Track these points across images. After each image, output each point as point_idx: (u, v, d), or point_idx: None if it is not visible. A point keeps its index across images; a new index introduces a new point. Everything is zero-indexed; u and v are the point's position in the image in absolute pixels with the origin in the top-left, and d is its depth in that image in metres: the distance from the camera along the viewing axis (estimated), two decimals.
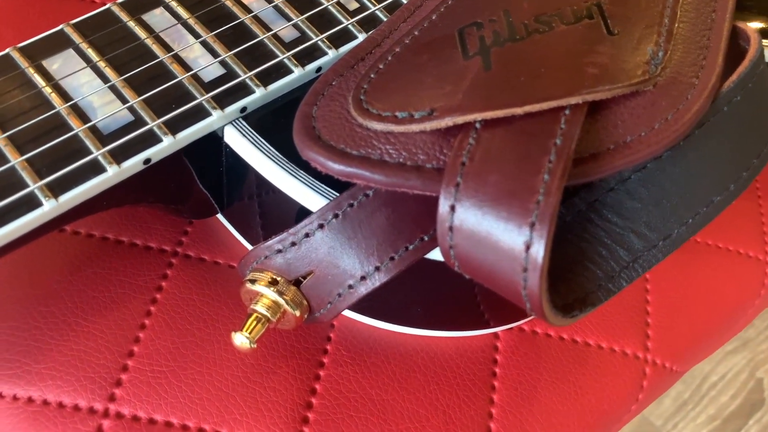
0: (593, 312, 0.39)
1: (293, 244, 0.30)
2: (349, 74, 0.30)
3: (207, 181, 0.35)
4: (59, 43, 0.32)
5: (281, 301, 0.30)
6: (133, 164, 0.29)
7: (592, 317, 0.39)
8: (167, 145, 0.30)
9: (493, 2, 0.30)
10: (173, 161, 0.32)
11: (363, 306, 0.35)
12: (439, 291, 0.34)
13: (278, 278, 0.31)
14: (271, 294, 0.30)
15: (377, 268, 0.29)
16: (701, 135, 0.28)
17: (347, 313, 0.36)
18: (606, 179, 0.29)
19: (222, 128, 0.32)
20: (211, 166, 0.34)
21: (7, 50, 0.31)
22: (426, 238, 0.29)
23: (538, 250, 0.24)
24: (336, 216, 0.29)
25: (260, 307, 0.31)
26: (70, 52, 0.31)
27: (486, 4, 0.30)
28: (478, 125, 0.26)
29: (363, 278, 0.30)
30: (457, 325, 0.36)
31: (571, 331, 0.38)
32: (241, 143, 0.31)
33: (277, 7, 0.34)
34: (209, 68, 0.32)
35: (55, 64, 0.31)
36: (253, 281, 0.31)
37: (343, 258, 0.30)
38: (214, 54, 0.32)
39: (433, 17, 0.30)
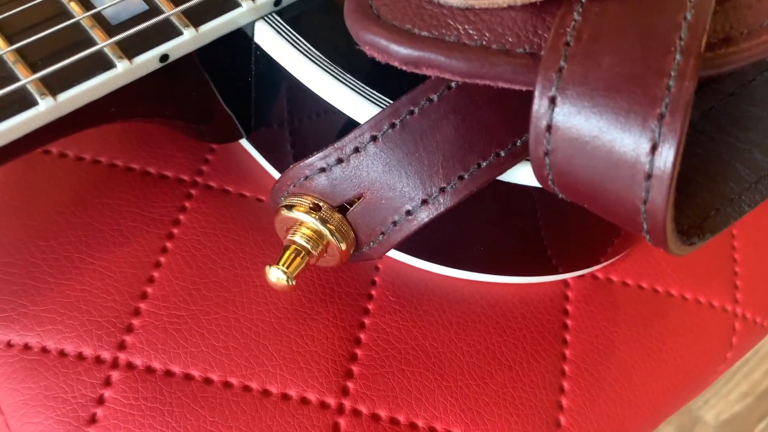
0: (674, 258, 0.34)
1: (339, 161, 0.25)
2: None
3: (231, 95, 0.30)
4: None
5: (324, 230, 0.25)
6: (148, 60, 0.24)
7: (674, 263, 0.34)
8: (189, 38, 0.24)
9: None
10: (191, 67, 0.27)
11: (412, 245, 0.30)
12: (503, 228, 0.29)
13: (321, 203, 0.25)
14: (312, 222, 0.25)
15: (442, 190, 0.24)
16: None
17: (393, 254, 0.31)
18: (724, 81, 0.24)
19: (252, 25, 0.26)
20: (237, 76, 0.29)
21: None
22: (503, 153, 0.24)
23: (668, 152, 0.18)
24: (393, 126, 0.24)
25: (299, 238, 0.26)
26: None
27: None
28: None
29: (424, 202, 0.25)
30: (522, 269, 0.31)
31: (651, 279, 0.33)
32: (274, 42, 0.26)
33: None
34: None
35: None
36: (290, 207, 0.26)
37: (400, 177, 0.24)
38: None
39: None
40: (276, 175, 0.32)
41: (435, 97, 0.24)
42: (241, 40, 0.27)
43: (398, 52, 0.21)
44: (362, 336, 0.29)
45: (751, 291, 0.34)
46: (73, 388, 0.26)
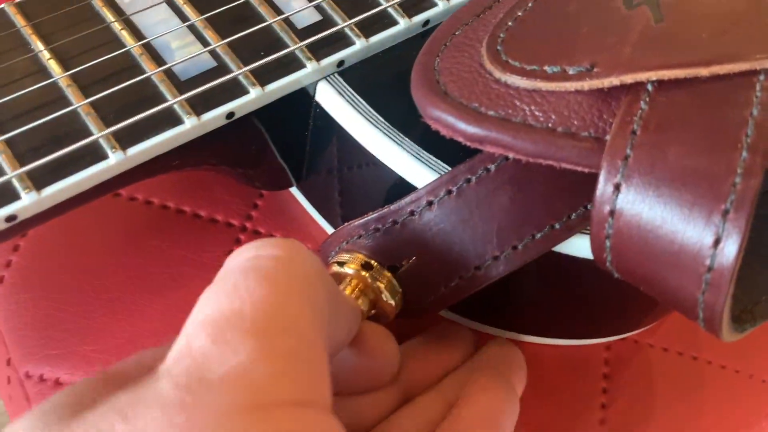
0: None
1: (395, 223, 0.25)
2: (476, 23, 0.25)
3: (286, 147, 0.30)
4: None
5: (374, 286, 0.26)
6: (215, 117, 0.25)
7: None
8: (255, 97, 0.25)
9: None
10: (251, 120, 0.28)
11: (460, 304, 0.30)
12: (551, 293, 0.29)
13: (372, 261, 0.26)
14: (363, 278, 0.26)
15: (495, 258, 0.25)
16: None
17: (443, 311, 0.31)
18: None
19: (314, 84, 0.27)
20: (294, 130, 0.29)
21: None
22: (558, 226, 0.24)
23: (731, 247, 0.19)
24: (449, 192, 0.24)
25: (349, 293, 0.26)
26: None
27: None
28: (650, 87, 0.21)
29: (477, 268, 0.25)
30: (566, 332, 0.31)
31: (690, 346, 0.33)
32: (335, 102, 0.27)
33: None
34: (303, 13, 0.27)
35: None
36: (341, 263, 0.26)
37: (454, 243, 0.25)
38: None
39: None
40: (323, 223, 0.32)
41: (492, 167, 0.24)
42: (302, 97, 0.27)
43: (465, 130, 0.22)
44: None
45: None
46: None
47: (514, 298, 0.29)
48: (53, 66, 0.24)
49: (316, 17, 0.27)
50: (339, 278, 0.26)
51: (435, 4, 0.29)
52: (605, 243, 0.21)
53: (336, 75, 0.27)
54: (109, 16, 0.26)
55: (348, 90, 0.27)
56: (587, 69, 0.21)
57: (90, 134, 0.23)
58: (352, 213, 0.31)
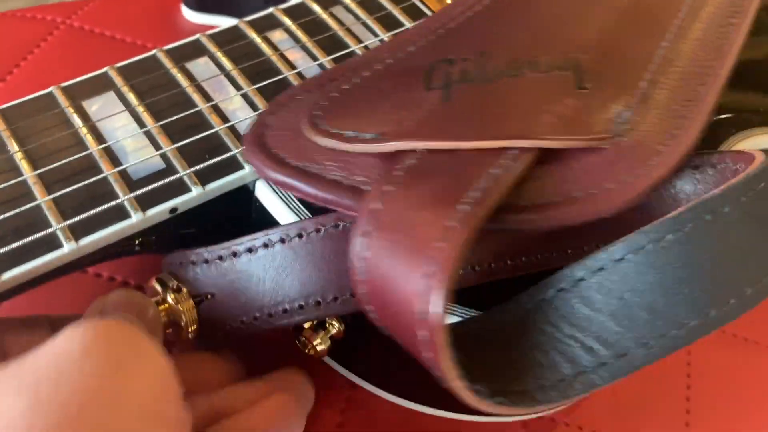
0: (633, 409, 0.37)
1: (220, 258, 0.28)
2: (316, 91, 0.30)
3: (234, 235, 0.34)
4: (102, 85, 0.32)
5: (176, 308, 0.28)
6: (159, 212, 0.28)
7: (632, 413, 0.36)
8: (195, 195, 0.29)
9: (473, 42, 0.31)
10: (202, 212, 0.32)
11: (361, 371, 0.33)
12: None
13: (183, 288, 0.28)
14: (170, 299, 0.28)
15: (285, 311, 0.27)
16: (675, 242, 0.22)
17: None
18: (558, 278, 0.25)
19: (254, 182, 0.31)
20: (239, 222, 0.33)
21: (50, 88, 0.31)
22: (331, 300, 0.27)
23: (435, 299, 0.20)
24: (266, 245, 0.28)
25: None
26: (111, 94, 0.31)
27: (466, 44, 0.31)
28: (419, 155, 0.25)
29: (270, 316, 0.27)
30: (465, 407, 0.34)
31: (618, 427, 0.35)
32: (270, 200, 0.30)
33: (322, 66, 0.34)
34: (247, 122, 0.31)
35: (94, 105, 0.31)
36: (161, 282, 0.29)
37: (254, 290, 0.27)
38: (254, 107, 0.32)
39: (412, 49, 0.31)
40: None
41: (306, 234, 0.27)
42: (243, 193, 0.31)
43: (268, 174, 0.28)
44: None
45: None
46: None
47: (402, 364, 0.31)
48: (24, 165, 0.28)
49: None
50: (152, 293, 0.29)
51: None
52: (361, 288, 0.23)
53: None
54: (77, 121, 0.30)
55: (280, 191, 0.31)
56: (376, 136, 0.26)
57: (49, 226, 0.27)
58: None
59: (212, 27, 0.49)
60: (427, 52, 0.31)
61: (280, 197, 0.30)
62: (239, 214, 0.33)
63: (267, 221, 0.31)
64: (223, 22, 0.49)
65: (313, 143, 0.27)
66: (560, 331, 0.24)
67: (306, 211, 0.30)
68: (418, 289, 0.21)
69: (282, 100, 0.30)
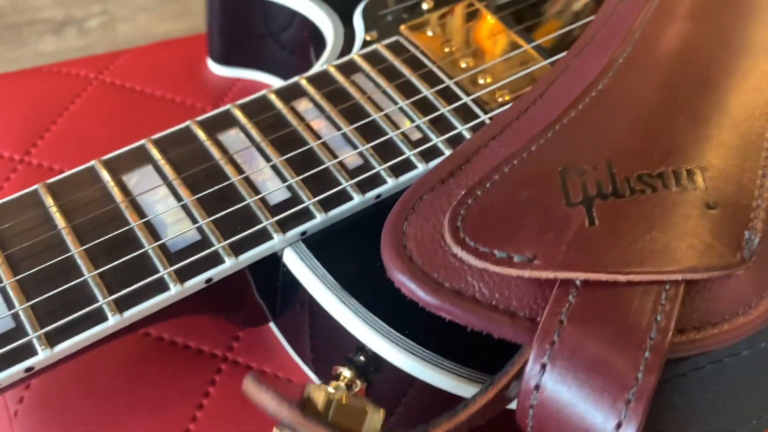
0: None
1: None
2: (440, 189, 0.30)
3: (263, 292, 0.36)
4: (140, 158, 0.34)
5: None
6: (195, 283, 0.31)
7: None
8: (229, 266, 0.31)
9: (595, 148, 0.30)
10: (235, 275, 0.34)
11: None
12: None
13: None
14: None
15: None
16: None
17: None
18: (678, 364, 0.28)
19: (282, 249, 0.33)
20: (268, 281, 0.35)
21: (92, 162, 0.34)
22: None
23: (630, 430, 0.23)
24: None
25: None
26: (149, 168, 0.34)
27: (587, 148, 0.30)
28: (578, 283, 0.26)
29: None
30: None
31: None
32: (298, 266, 0.33)
33: (345, 135, 0.36)
34: (276, 192, 0.33)
35: (133, 179, 0.33)
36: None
37: None
38: (283, 178, 0.34)
39: (533, 148, 0.30)
40: (294, 355, 0.38)
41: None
42: (272, 258, 0.33)
43: (424, 298, 0.27)
44: None
45: None
46: None
47: None
48: (70, 240, 0.31)
49: (286, 195, 0.33)
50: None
51: (386, 181, 0.35)
52: (529, 411, 0.26)
53: (300, 241, 0.33)
54: (118, 196, 0.32)
55: (309, 255, 0.33)
56: (529, 259, 0.26)
57: (96, 300, 0.29)
58: (319, 350, 0.36)
59: (237, 79, 0.51)
60: (552, 153, 0.30)
61: (307, 265, 0.32)
62: (267, 277, 0.35)
63: (294, 285, 0.33)
64: (248, 74, 0.51)
65: (460, 260, 0.27)
66: (680, 409, 0.27)
67: (332, 279, 0.32)
68: (609, 418, 0.23)
69: (407, 202, 0.29)
